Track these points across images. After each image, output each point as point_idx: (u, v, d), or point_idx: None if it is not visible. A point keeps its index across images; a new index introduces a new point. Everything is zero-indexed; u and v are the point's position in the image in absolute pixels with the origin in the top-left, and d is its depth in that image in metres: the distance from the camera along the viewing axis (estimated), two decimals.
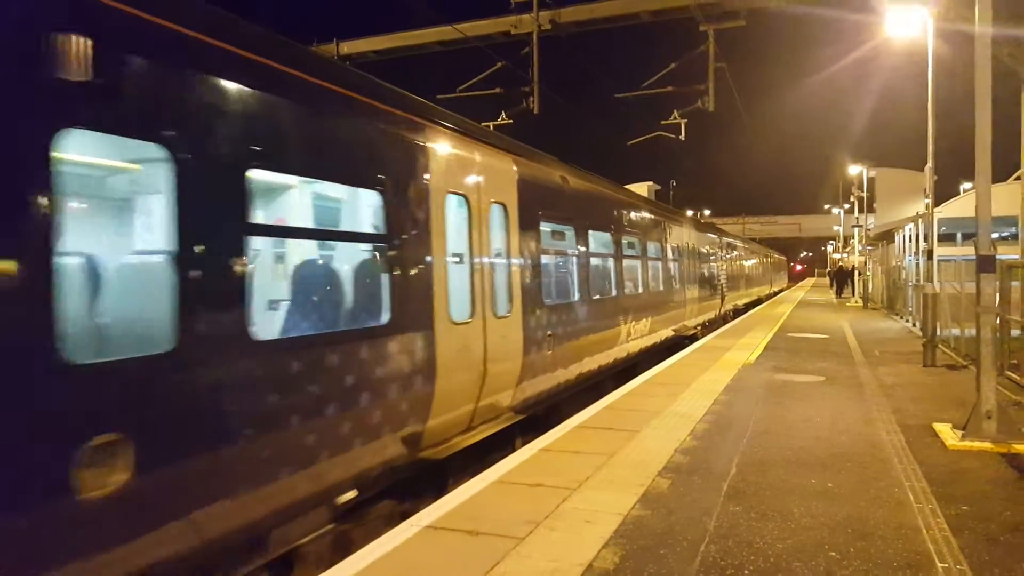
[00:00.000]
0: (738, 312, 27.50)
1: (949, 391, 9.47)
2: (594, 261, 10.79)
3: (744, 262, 33.35)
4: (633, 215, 13.22)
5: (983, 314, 7.04)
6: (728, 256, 27.07)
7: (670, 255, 16.11)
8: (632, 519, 4.73)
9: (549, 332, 8.47)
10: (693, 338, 17.62)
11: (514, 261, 7.83)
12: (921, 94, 15.12)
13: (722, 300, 23.96)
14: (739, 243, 32.77)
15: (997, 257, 7.25)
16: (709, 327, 20.64)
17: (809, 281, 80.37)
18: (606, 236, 11.49)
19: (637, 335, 12.58)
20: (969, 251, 17.73)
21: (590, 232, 10.47)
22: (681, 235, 17.67)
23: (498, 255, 7.52)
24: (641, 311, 12.85)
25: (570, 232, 9.99)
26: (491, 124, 18.36)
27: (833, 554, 4.19)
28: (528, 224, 8.21)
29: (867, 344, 15.25)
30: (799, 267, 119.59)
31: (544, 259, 8.80)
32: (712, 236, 23.99)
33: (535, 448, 6.55)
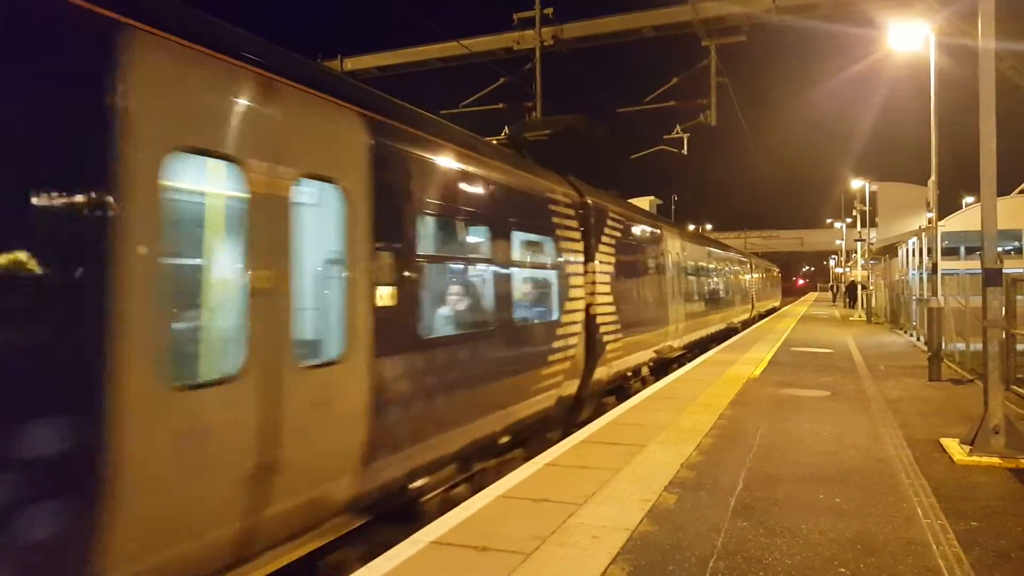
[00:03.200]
0: (667, 365, 14.82)
1: (955, 405, 9.43)
2: None
3: (690, 272, 17.98)
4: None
5: (989, 328, 7.02)
6: (640, 258, 13.16)
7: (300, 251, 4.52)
8: (639, 535, 4.69)
9: None
10: (475, 481, 6.84)
11: None
12: (922, 108, 15.19)
13: (591, 357, 9.80)
14: (673, 238, 16.36)
15: (1003, 271, 7.24)
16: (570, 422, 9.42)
17: (811, 296, 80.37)
18: None
19: None
20: (971, 265, 17.78)
21: None
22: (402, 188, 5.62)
23: None
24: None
25: None
26: (494, 139, 18.40)
27: (843, 570, 4.15)
28: None
29: (872, 358, 15.20)
30: (801, 281, 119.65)
31: None
32: (561, 204, 9.23)
33: (540, 463, 6.52)
